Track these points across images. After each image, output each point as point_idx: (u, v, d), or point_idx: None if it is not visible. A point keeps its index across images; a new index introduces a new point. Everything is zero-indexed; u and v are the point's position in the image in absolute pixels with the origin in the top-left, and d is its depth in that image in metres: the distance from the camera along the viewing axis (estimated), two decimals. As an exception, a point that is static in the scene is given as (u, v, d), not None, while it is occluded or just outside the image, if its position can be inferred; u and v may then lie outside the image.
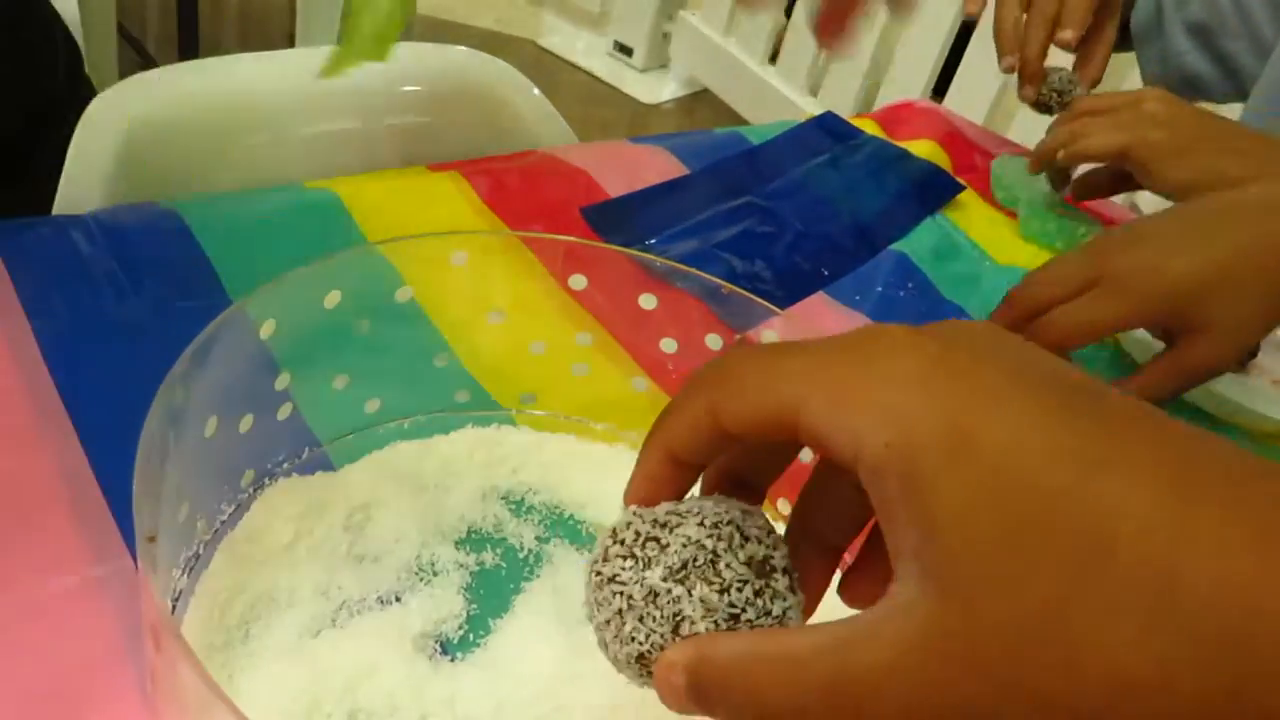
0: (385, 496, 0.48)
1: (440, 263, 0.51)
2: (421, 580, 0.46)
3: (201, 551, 0.43)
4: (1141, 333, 0.70)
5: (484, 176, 0.75)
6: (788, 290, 0.73)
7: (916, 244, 0.82)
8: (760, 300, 0.50)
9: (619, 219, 0.75)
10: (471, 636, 0.45)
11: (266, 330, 0.43)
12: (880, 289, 0.75)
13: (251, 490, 0.46)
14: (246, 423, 0.44)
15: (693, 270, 0.51)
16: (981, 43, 2.05)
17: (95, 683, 0.38)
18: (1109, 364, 0.74)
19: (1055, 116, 0.83)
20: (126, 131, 0.69)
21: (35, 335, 0.52)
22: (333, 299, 0.46)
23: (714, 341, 0.53)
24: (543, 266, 0.58)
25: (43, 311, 0.53)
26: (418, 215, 0.70)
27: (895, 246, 0.81)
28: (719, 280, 0.51)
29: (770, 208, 0.80)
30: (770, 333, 0.51)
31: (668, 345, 0.54)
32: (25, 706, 0.37)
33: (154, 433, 0.35)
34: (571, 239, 0.56)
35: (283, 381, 0.46)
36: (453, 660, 0.43)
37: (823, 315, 0.72)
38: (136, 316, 0.55)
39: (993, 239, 0.87)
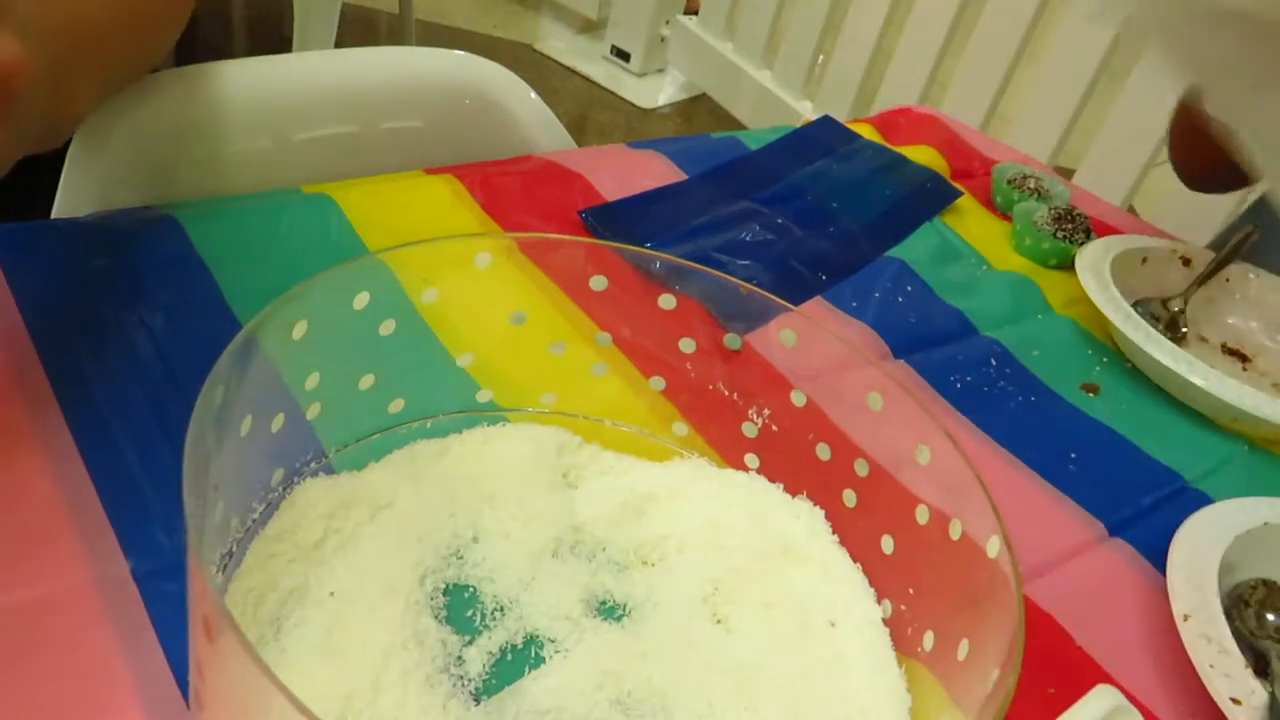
0: (409, 495, 0.48)
1: (464, 265, 0.52)
2: (450, 570, 0.46)
3: (234, 550, 0.44)
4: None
5: (481, 181, 0.75)
6: (786, 295, 0.72)
7: (914, 249, 0.82)
8: (779, 300, 0.51)
9: (617, 223, 0.75)
10: (498, 616, 0.45)
11: (299, 331, 0.43)
12: (878, 294, 0.75)
13: (281, 489, 0.47)
14: (279, 422, 0.45)
15: (711, 271, 0.51)
16: (980, 46, 2.05)
17: (93, 687, 0.38)
18: (1109, 367, 0.74)
19: None
20: (124, 136, 0.69)
21: (32, 339, 0.52)
22: (361, 300, 0.47)
23: (732, 341, 0.53)
24: (563, 268, 0.59)
25: (40, 316, 0.53)
26: (414, 219, 0.70)
27: (893, 252, 0.81)
28: (737, 281, 0.51)
29: (768, 213, 0.80)
30: (787, 331, 0.51)
31: (686, 345, 0.54)
32: (23, 712, 0.37)
33: (199, 432, 0.35)
34: (592, 241, 0.56)
35: (313, 381, 0.47)
36: (473, 642, 0.43)
37: (823, 320, 0.72)
38: (133, 321, 0.55)
39: (990, 244, 0.87)
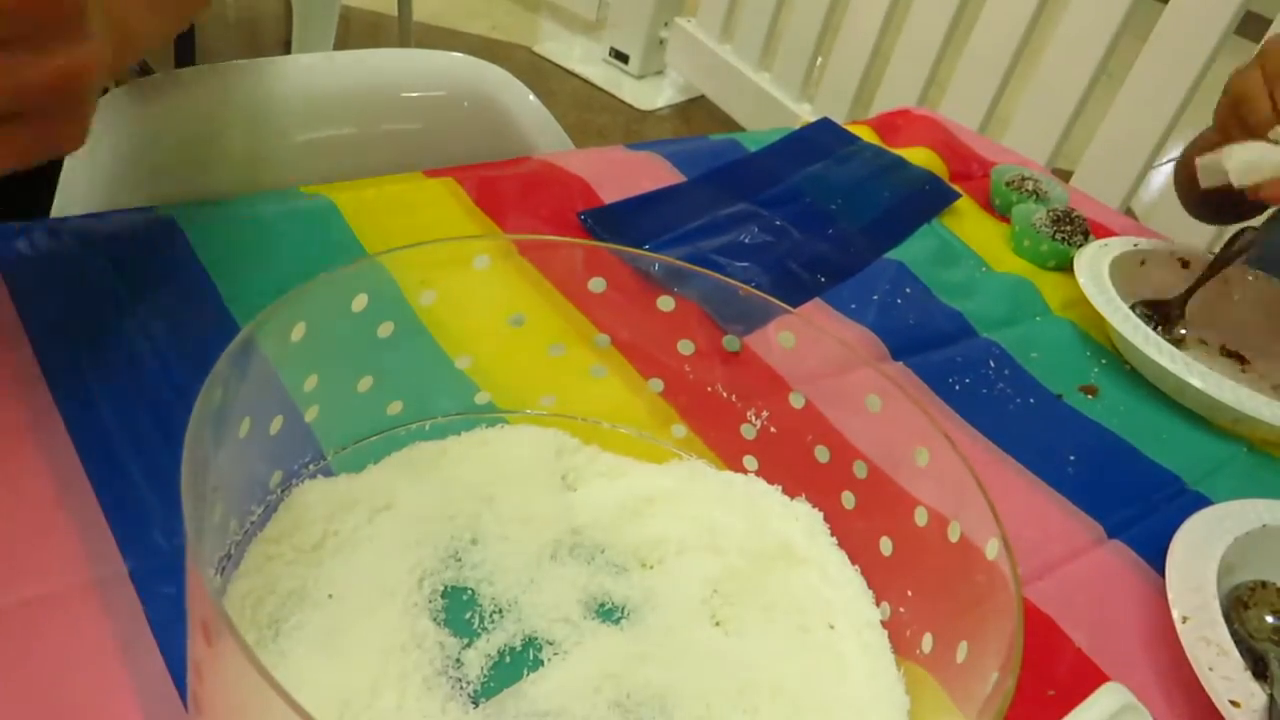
0: (408, 497, 0.48)
1: (462, 267, 0.52)
2: (448, 573, 0.46)
3: (233, 552, 0.44)
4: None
5: (479, 183, 0.75)
6: (784, 297, 0.72)
7: (913, 251, 0.82)
8: (778, 302, 0.51)
9: (616, 224, 0.75)
10: (497, 618, 0.45)
11: (298, 333, 0.43)
12: (877, 296, 0.75)
13: (279, 491, 0.47)
14: (277, 424, 0.45)
15: (710, 273, 0.51)
16: (979, 48, 2.05)
17: (91, 690, 0.38)
18: (1108, 369, 0.74)
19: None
20: (123, 138, 0.69)
21: (30, 339, 0.51)
22: (359, 302, 0.47)
23: (731, 343, 0.53)
24: (562, 270, 0.59)
25: (38, 316, 0.53)
26: (413, 221, 0.70)
27: (892, 254, 0.81)
28: (736, 283, 0.51)
29: (767, 215, 0.80)
30: (785, 333, 0.51)
31: (685, 347, 0.54)
32: (20, 710, 0.37)
33: (198, 433, 0.35)
34: (591, 243, 0.56)
35: (311, 383, 0.47)
36: (471, 644, 0.43)
37: (821, 322, 0.72)
38: (131, 321, 0.55)
39: (989, 246, 0.87)
